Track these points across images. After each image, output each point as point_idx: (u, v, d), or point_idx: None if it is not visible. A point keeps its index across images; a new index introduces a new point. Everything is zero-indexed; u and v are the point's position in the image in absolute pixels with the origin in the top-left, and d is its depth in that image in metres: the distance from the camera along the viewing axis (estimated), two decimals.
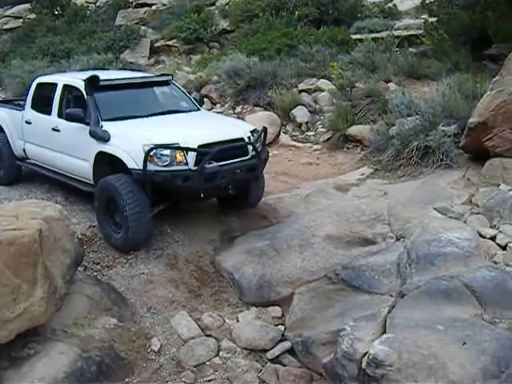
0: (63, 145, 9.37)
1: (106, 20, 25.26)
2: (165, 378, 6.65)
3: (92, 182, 8.83)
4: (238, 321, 7.47)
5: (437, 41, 14.40)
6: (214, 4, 24.66)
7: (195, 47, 21.86)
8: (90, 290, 7.37)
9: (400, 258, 7.07)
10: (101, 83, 9.12)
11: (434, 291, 6.28)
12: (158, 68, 19.64)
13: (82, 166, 8.95)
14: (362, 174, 10.33)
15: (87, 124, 8.69)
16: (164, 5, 25.19)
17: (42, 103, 10.00)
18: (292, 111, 13.71)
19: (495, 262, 6.73)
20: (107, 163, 8.57)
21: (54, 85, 9.80)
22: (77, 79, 9.49)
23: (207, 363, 6.83)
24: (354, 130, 12.13)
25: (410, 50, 16.11)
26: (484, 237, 7.17)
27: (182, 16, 22.75)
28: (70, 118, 8.89)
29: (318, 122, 13.45)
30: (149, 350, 6.93)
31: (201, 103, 10.68)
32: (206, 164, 8.04)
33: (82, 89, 9.09)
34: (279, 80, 14.74)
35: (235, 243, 8.57)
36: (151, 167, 7.96)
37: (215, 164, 8.16)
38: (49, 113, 9.69)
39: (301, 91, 14.49)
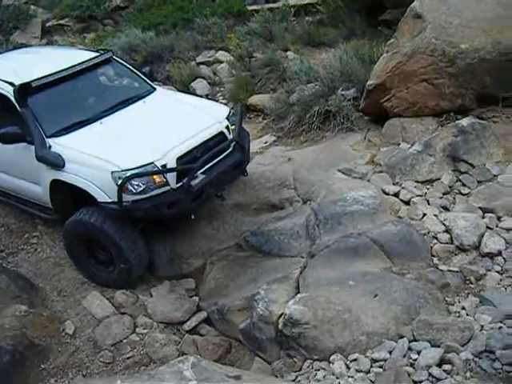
0: (3, 165, 7.77)
1: None
2: (82, 359, 6.58)
3: (50, 206, 7.46)
4: (151, 296, 7.40)
5: (332, 9, 14.54)
6: None
7: (89, 25, 21.10)
8: None
9: (308, 220, 7.19)
10: (34, 84, 7.31)
11: (343, 249, 6.46)
12: None
13: (34, 190, 7.50)
14: (266, 142, 10.35)
15: (30, 142, 7.10)
16: None
17: None
18: (191, 84, 13.47)
19: (400, 217, 6.98)
20: (68, 189, 7.11)
21: None
22: (1, 82, 7.49)
23: (124, 341, 6.77)
24: (254, 99, 12.09)
25: (307, 18, 16.14)
26: (388, 194, 7.42)
27: None
28: (7, 140, 7.17)
29: (219, 94, 13.34)
30: (63, 334, 6.82)
31: (151, 78, 9.03)
32: (190, 181, 6.86)
33: (12, 97, 7.27)
34: (177, 54, 14.43)
35: None
36: (126, 198, 6.60)
37: (200, 176, 6.96)
38: None
39: (199, 64, 14.29)
